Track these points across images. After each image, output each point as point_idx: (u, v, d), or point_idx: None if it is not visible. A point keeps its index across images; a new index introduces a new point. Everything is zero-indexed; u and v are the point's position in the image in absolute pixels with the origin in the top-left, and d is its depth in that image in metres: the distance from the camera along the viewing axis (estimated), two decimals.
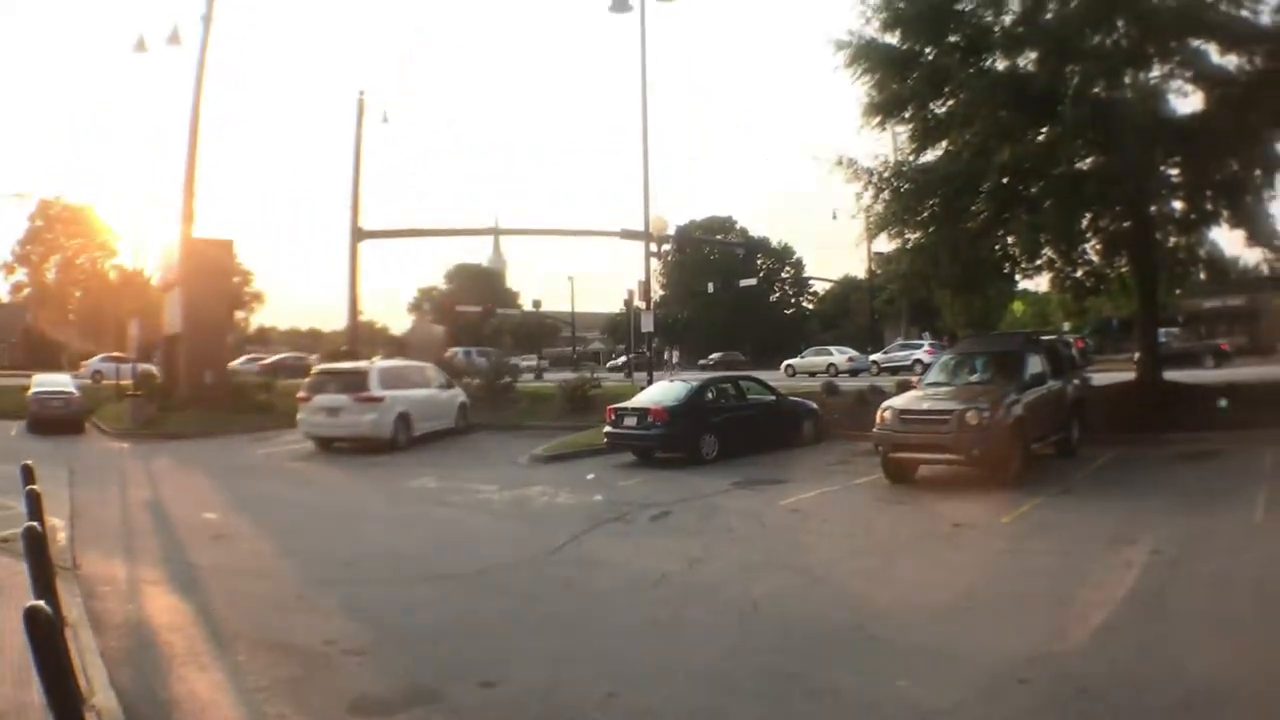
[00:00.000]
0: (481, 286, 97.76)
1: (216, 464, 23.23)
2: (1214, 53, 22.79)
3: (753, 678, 7.80)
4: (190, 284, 36.83)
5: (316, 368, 31.49)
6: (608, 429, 22.54)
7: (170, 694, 7.53)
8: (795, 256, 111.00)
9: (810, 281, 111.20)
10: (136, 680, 7.72)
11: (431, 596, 10.62)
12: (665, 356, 74.41)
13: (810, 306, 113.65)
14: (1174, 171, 23.55)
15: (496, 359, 42.33)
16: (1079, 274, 26.40)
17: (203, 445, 28.03)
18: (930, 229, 24.36)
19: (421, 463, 23.26)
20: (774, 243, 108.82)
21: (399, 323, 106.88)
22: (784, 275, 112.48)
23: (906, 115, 24.59)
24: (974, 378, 19.28)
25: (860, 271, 67.34)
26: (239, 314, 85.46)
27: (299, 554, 13.16)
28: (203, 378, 36.08)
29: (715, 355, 78.22)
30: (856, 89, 24.55)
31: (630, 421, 22.06)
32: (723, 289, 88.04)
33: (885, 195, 24.44)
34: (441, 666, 8.15)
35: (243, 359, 65.16)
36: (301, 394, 26.65)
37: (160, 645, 8.77)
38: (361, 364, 28.40)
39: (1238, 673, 7.27)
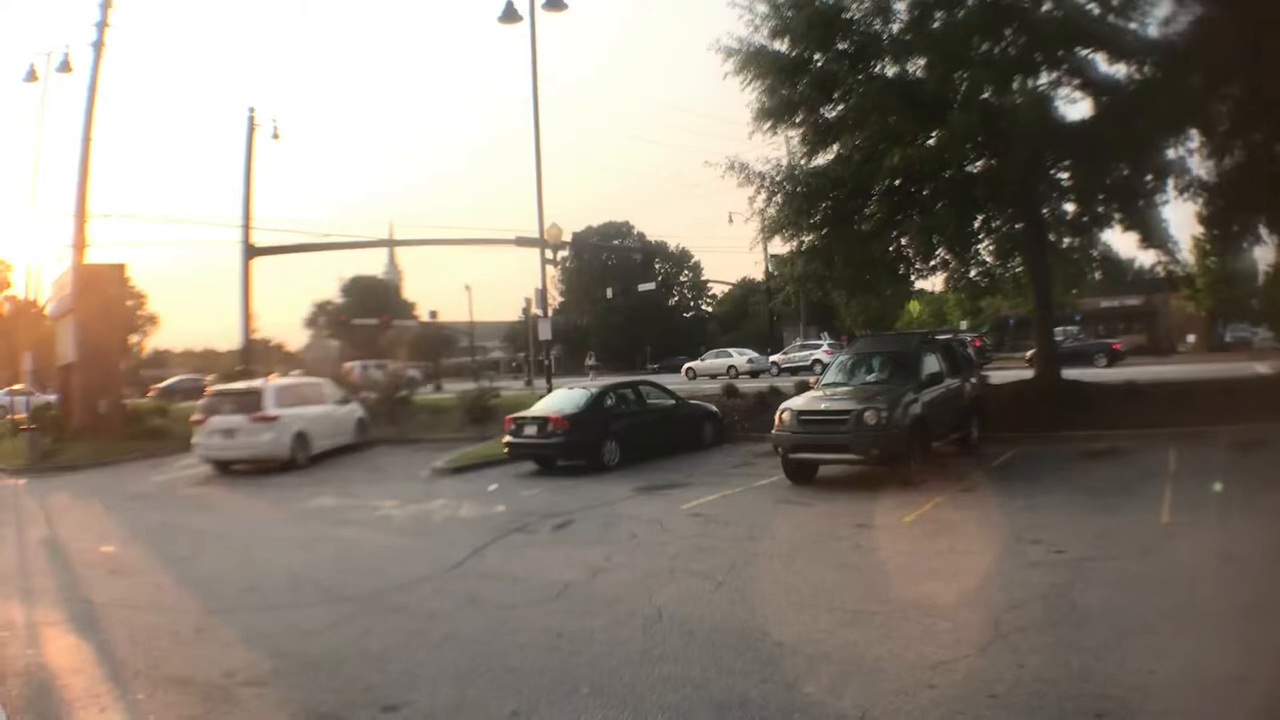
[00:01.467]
0: (378, 298, 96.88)
1: (114, 494, 22.69)
2: (1102, 62, 23.27)
3: (658, 689, 7.72)
4: (83, 312, 35.90)
5: (211, 389, 31.03)
6: (508, 439, 22.43)
7: None
8: (693, 260, 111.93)
9: (709, 285, 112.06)
10: None
11: (331, 620, 10.40)
12: (587, 362, 74.53)
13: (709, 309, 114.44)
14: (1065, 175, 23.95)
15: (393, 372, 41.70)
16: (973, 274, 26.74)
17: (100, 475, 27.38)
18: (823, 231, 24.63)
19: (320, 481, 22.95)
20: (672, 247, 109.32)
21: (296, 339, 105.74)
22: (682, 279, 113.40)
23: (797, 120, 24.97)
24: (871, 377, 19.49)
25: (759, 274, 67.77)
26: (134, 338, 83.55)
27: (197, 583, 12.84)
28: (98, 406, 35.18)
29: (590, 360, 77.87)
30: (748, 95, 24.67)
31: (531, 430, 21.95)
32: (621, 294, 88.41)
33: (778, 199, 24.68)
34: (342, 693, 7.99)
35: (173, 379, 64.25)
36: (196, 416, 26.09)
37: (61, 689, 8.51)
38: (256, 383, 27.87)
39: (1147, 675, 7.30)
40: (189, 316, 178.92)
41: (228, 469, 25.54)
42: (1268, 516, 12.47)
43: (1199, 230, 27.89)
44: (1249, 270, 61.47)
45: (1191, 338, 62.28)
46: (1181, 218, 79.09)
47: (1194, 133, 22.99)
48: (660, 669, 8.20)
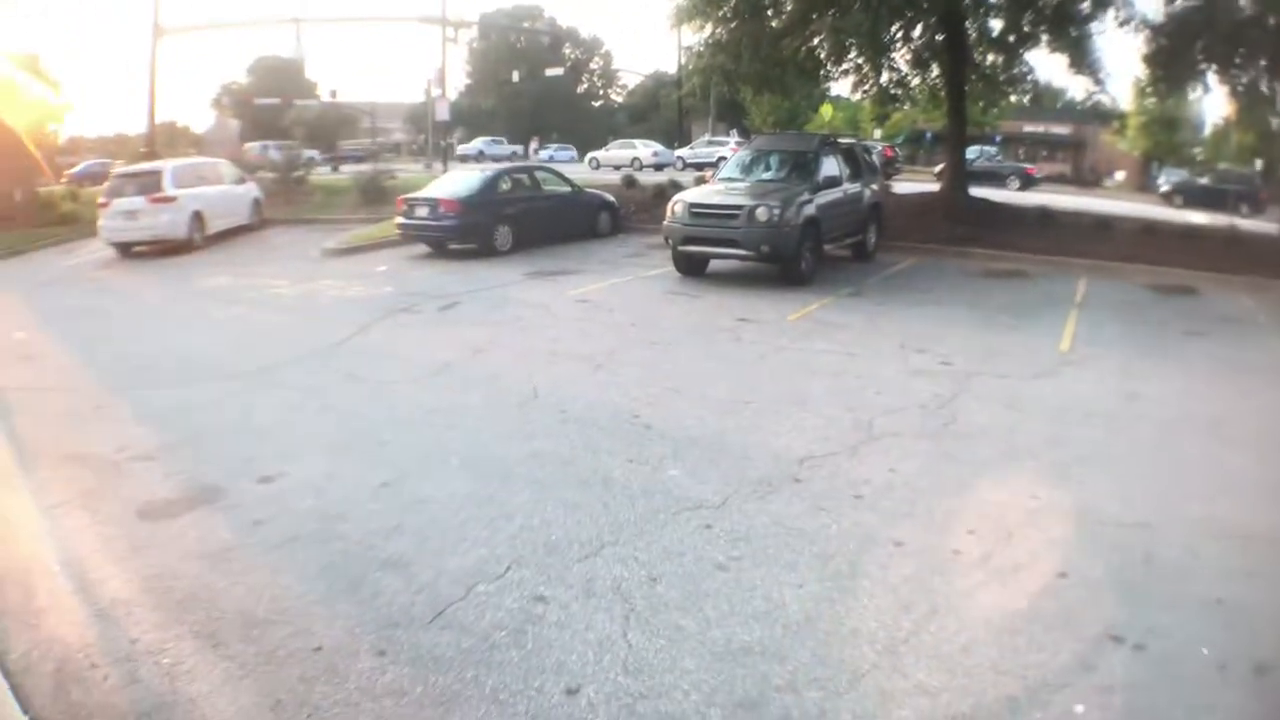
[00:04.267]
0: (283, 79, 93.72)
1: (26, 281, 22.37)
2: None
3: (527, 463, 7.93)
4: None
5: (114, 171, 30.26)
6: (399, 220, 22.18)
7: None
8: (604, 49, 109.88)
9: (619, 74, 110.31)
10: None
11: (217, 396, 10.58)
12: (532, 148, 73.50)
13: (619, 100, 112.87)
14: None
15: (289, 151, 40.72)
16: (885, 81, 26.36)
17: (15, 264, 26.80)
18: (733, 24, 23.98)
19: (216, 262, 22.77)
20: (583, 34, 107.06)
21: (203, 121, 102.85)
22: (592, 67, 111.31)
23: None
24: (768, 175, 19.22)
25: (671, 67, 66.64)
26: (49, 127, 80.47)
27: (98, 365, 12.87)
28: (13, 195, 34.27)
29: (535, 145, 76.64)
30: None
31: (422, 212, 21.63)
32: (529, 78, 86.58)
33: None
34: (224, 465, 8.17)
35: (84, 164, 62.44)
36: (101, 200, 25.64)
37: None
38: (155, 164, 27.30)
39: (1029, 499, 7.22)
40: (102, 101, 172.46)
41: (130, 251, 25.22)
42: (1178, 364, 12.13)
43: (1140, 68, 27.45)
44: (1192, 118, 61.69)
45: (1120, 175, 62.58)
46: (1115, 50, 78.80)
47: None
48: (530, 445, 8.43)
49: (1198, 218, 30.78)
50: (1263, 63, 23.66)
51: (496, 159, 60.58)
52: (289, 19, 63.08)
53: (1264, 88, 24.78)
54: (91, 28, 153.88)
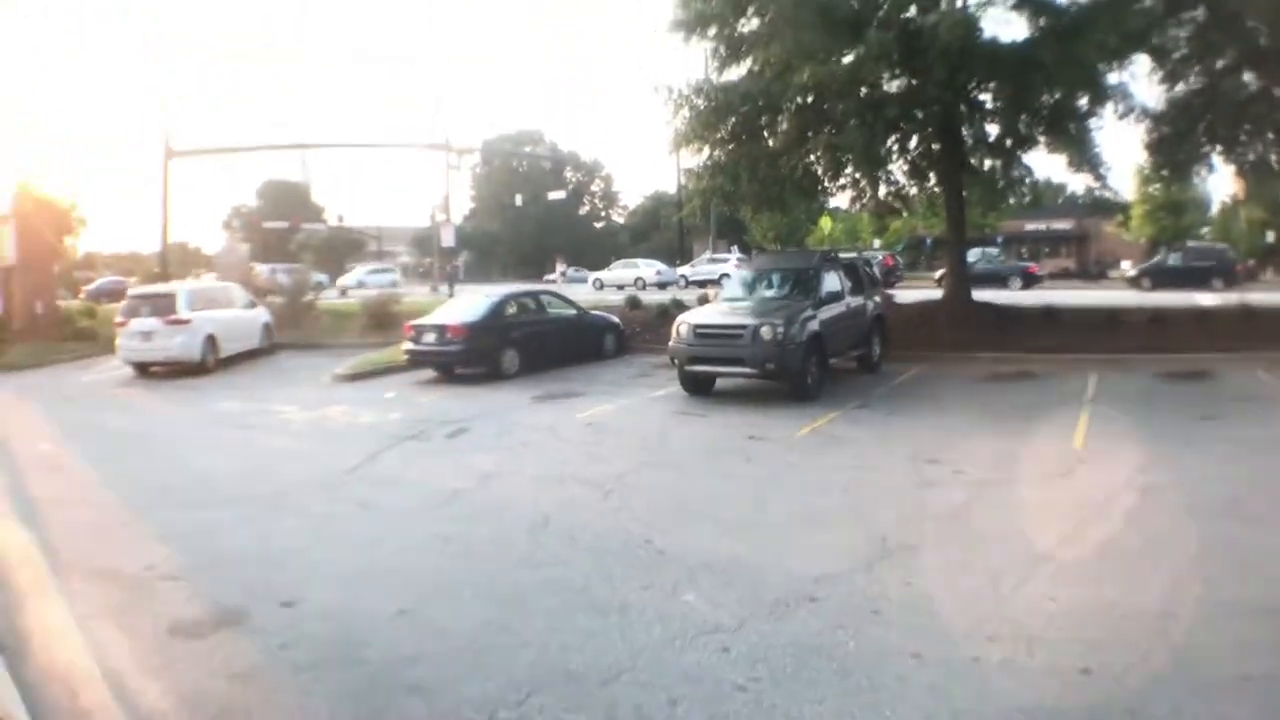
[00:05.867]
0: (290, 202, 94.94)
1: (50, 394, 23.00)
2: None
3: (539, 592, 7.91)
4: (21, 217, 35.80)
5: (130, 292, 31.03)
6: (408, 345, 22.38)
7: (23, 624, 7.65)
8: (605, 171, 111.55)
9: (620, 195, 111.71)
10: None
11: (235, 519, 10.69)
12: (558, 270, 74.40)
13: (620, 220, 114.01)
14: (988, 96, 23.84)
15: (299, 276, 41.19)
16: (883, 193, 26.70)
17: (37, 376, 27.45)
18: (730, 146, 24.41)
19: (228, 385, 23.12)
20: (584, 157, 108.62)
21: (214, 242, 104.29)
22: (594, 189, 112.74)
23: (711, 33, 24.45)
24: (770, 293, 19.53)
25: (671, 186, 67.46)
26: (68, 241, 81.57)
27: (121, 482, 13.12)
28: (35, 309, 35.14)
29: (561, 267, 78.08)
30: (664, 4, 24.39)
31: (430, 338, 21.89)
32: (532, 202, 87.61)
33: (685, 112, 24.34)
34: (247, 588, 8.28)
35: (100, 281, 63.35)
36: (119, 319, 26.34)
37: (11, 578, 8.92)
38: (170, 286, 27.93)
39: (1046, 601, 7.27)
40: (116, 219, 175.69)
41: (146, 371, 25.79)
42: (1193, 451, 12.26)
43: (1141, 157, 27.88)
44: (1199, 199, 62.30)
45: (1127, 264, 63.20)
46: (1115, 142, 79.65)
47: (1141, 57, 23.05)
48: (543, 572, 8.43)
49: (1206, 299, 31.03)
50: (1270, 136, 24.00)
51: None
52: (296, 144, 63.74)
53: (1273, 161, 25.12)
54: (106, 146, 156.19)
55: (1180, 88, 23.90)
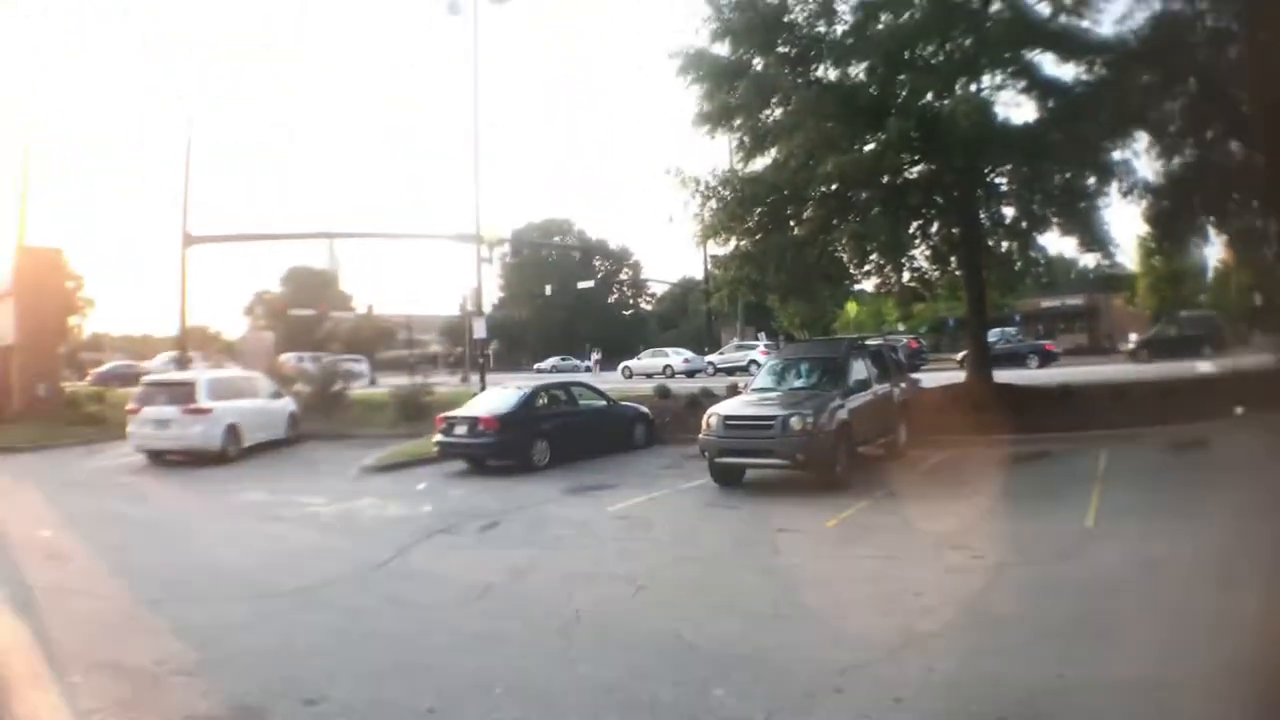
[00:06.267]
0: (316, 289, 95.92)
1: (52, 479, 22.90)
2: (1049, 63, 23.57)
3: (571, 690, 7.87)
4: (22, 294, 36.02)
5: (145, 379, 30.87)
6: (438, 438, 22.38)
7: (15, 717, 7.53)
8: (633, 259, 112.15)
9: (648, 283, 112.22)
10: None
11: (257, 614, 10.54)
12: (591, 360, 75.05)
13: (649, 307, 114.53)
14: (1004, 179, 24.17)
15: (327, 365, 41.41)
16: (906, 279, 26.91)
17: (38, 459, 27.56)
18: (757, 236, 24.68)
19: (251, 475, 23.01)
20: (612, 245, 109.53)
21: (234, 327, 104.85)
22: (622, 277, 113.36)
23: (736, 125, 24.83)
24: (799, 383, 19.58)
25: (699, 272, 67.97)
26: (72, 321, 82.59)
27: (130, 572, 12.97)
28: (37, 390, 35.31)
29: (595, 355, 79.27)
30: (688, 98, 24.73)
31: (461, 430, 21.92)
32: (561, 291, 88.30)
33: (712, 204, 24.63)
34: (266, 685, 8.13)
35: (110, 364, 63.94)
36: (131, 406, 26.27)
37: (4, 669, 8.71)
38: (189, 374, 27.91)
39: (1056, 679, 7.40)
40: (128, 301, 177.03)
41: (161, 458, 25.61)
42: (1196, 521, 12.57)
43: (1143, 230, 28.30)
44: (1196, 268, 62.46)
45: (1135, 337, 63.23)
46: (1121, 218, 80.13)
47: (1141, 134, 23.35)
48: (575, 670, 8.35)
49: (1205, 366, 31.17)
50: (1254, 204, 24.23)
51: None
52: (320, 234, 63.93)
53: (1257, 224, 25.34)
54: (119, 226, 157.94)
55: (1176, 161, 24.21)
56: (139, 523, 17.43)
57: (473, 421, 21.84)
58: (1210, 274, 67.17)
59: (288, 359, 56.92)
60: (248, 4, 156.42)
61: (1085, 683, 7.28)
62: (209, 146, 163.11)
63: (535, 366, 74.93)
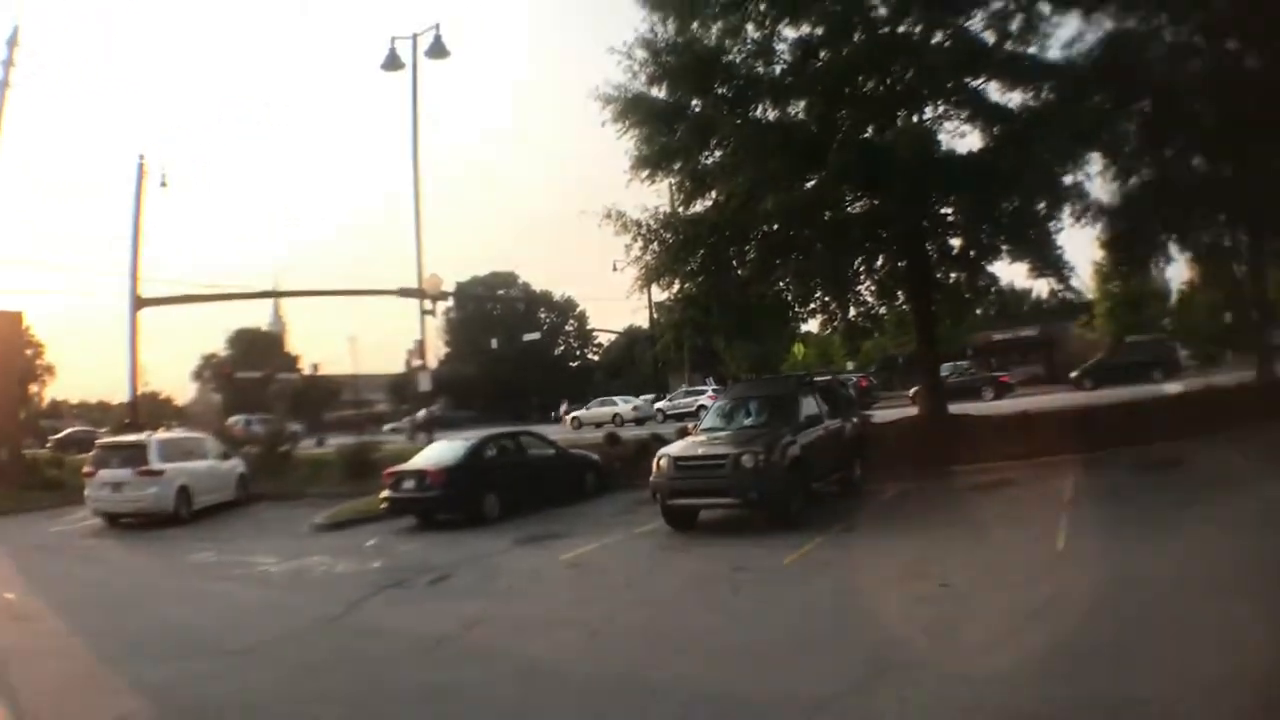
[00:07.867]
0: (262, 351, 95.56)
1: (14, 543, 23.05)
2: (994, 91, 23.55)
3: None
4: None
5: (99, 442, 30.99)
6: (386, 493, 21.99)
7: None
8: (579, 309, 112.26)
9: (594, 333, 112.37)
10: None
11: (213, 671, 10.41)
12: (560, 411, 73.94)
13: (595, 357, 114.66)
14: (949, 210, 24.15)
15: (274, 426, 41.04)
16: (852, 315, 26.81)
17: (1, 524, 27.52)
18: (699, 279, 24.53)
19: (202, 536, 22.87)
20: (557, 296, 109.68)
21: (185, 391, 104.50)
22: (568, 328, 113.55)
23: (675, 168, 24.67)
24: (749, 421, 19.49)
25: (644, 321, 68.05)
26: (32, 388, 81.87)
27: (89, 633, 12.96)
28: None
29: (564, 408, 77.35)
30: (627, 141, 24.51)
31: (409, 484, 21.59)
32: (507, 344, 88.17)
33: (654, 247, 24.49)
34: None
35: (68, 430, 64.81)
36: (87, 469, 26.29)
37: None
38: (141, 437, 27.55)
39: (1040, 704, 7.29)
40: (84, 368, 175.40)
41: (117, 521, 25.52)
42: (1168, 538, 12.57)
43: (1098, 255, 28.47)
44: (1159, 291, 63.04)
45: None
46: (1076, 243, 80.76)
47: (1094, 156, 23.46)
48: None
49: (1172, 387, 31.38)
50: (1221, 218, 24.36)
51: None
52: (265, 293, 63.85)
53: (1226, 241, 25.47)
54: (71, 290, 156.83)
55: (1133, 181, 24.33)
56: (98, 584, 17.41)
57: (420, 475, 21.52)
58: (1174, 297, 68.00)
59: (235, 421, 56.68)
60: (189, 60, 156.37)
61: (1067, 703, 7.20)
62: (157, 205, 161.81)
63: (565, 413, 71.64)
